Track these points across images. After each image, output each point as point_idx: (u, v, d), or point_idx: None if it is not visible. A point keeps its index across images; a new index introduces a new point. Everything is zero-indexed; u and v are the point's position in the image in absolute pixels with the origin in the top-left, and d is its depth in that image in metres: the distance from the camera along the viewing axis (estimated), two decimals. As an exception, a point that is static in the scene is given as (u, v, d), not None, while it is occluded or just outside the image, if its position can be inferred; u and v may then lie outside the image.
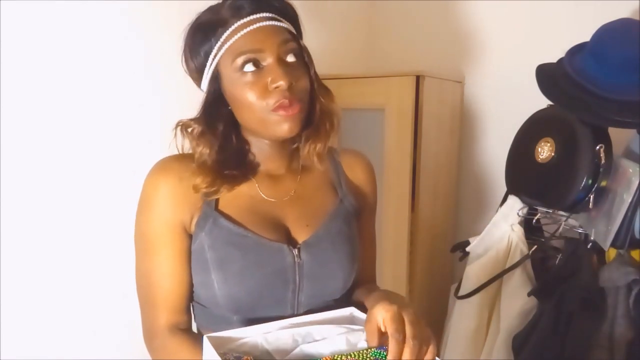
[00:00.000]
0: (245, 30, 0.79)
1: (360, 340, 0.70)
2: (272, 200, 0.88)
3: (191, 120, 0.86)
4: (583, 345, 1.20)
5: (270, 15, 0.81)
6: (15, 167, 1.23)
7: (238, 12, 0.80)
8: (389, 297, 0.75)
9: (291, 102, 0.79)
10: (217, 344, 0.69)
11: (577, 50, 1.30)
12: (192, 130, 0.85)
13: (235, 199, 0.86)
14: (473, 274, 1.44)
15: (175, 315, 0.85)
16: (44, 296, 1.31)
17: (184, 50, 0.86)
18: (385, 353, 0.66)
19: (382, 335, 0.70)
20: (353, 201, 0.95)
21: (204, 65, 0.83)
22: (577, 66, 1.25)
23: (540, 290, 1.30)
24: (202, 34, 0.82)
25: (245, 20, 0.80)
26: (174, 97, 1.30)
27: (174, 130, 0.86)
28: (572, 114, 1.25)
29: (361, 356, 0.65)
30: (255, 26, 0.79)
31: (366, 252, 0.98)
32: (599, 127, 1.21)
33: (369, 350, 0.66)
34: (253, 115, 0.81)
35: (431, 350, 0.69)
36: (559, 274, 1.29)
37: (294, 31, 0.85)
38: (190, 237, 0.85)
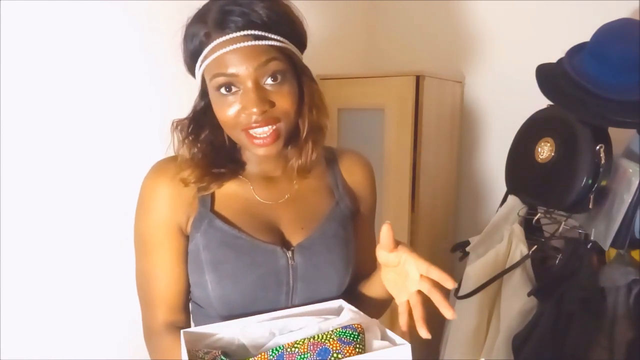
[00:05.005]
0: (222, 51, 0.75)
1: (332, 326, 0.70)
2: (268, 202, 0.88)
3: (184, 119, 0.86)
4: (583, 345, 1.20)
5: (254, 33, 0.75)
6: (16, 168, 1.23)
7: (221, 27, 0.76)
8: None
9: (265, 124, 0.77)
10: (193, 340, 0.70)
11: (577, 50, 1.30)
12: (181, 131, 0.85)
13: (231, 201, 0.86)
14: (473, 274, 1.44)
15: (173, 314, 0.86)
16: (44, 296, 1.31)
17: (181, 48, 0.84)
18: (350, 332, 0.65)
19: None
20: (349, 204, 0.94)
21: (193, 69, 0.82)
22: (577, 66, 1.25)
23: (540, 290, 1.29)
24: (189, 40, 0.80)
25: (225, 38, 0.75)
26: (175, 98, 1.31)
27: (171, 130, 0.86)
28: (572, 114, 1.25)
29: (325, 337, 0.65)
30: (233, 47, 0.75)
31: (365, 253, 0.97)
32: (599, 127, 1.21)
33: (334, 330, 0.66)
34: (230, 131, 0.82)
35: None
36: (559, 274, 1.29)
37: (287, 43, 0.79)
38: (187, 237, 0.86)
